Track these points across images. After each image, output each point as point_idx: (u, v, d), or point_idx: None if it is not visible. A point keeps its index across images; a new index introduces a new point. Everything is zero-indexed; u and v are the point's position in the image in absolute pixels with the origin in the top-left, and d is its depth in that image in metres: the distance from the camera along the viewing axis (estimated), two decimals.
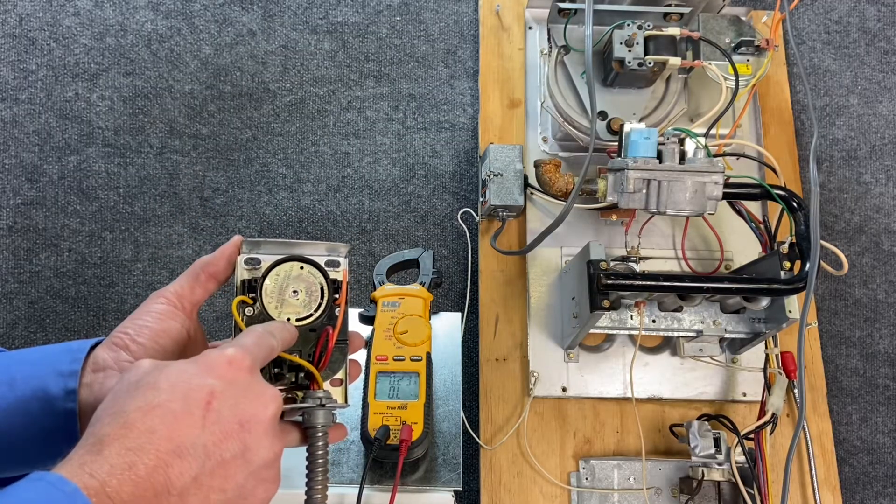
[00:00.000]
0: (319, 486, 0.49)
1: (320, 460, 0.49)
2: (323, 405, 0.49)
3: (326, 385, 0.52)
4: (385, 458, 0.73)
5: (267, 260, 0.52)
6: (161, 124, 1.06)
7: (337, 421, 0.52)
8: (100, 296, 0.99)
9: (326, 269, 0.52)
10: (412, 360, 0.75)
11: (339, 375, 0.53)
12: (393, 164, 1.06)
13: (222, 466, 0.38)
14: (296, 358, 0.50)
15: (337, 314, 0.52)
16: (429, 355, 0.76)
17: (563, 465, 0.87)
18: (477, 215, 0.98)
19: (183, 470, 0.37)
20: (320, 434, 0.49)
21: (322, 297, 0.52)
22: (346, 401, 0.52)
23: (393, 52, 1.12)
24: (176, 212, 1.03)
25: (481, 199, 0.96)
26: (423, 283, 0.81)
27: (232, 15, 1.12)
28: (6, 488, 0.34)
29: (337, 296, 0.52)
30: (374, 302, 0.79)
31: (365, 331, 0.79)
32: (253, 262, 0.52)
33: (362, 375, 0.74)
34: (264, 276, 0.51)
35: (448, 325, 0.87)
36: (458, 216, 1.02)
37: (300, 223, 1.03)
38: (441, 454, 0.78)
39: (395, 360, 0.75)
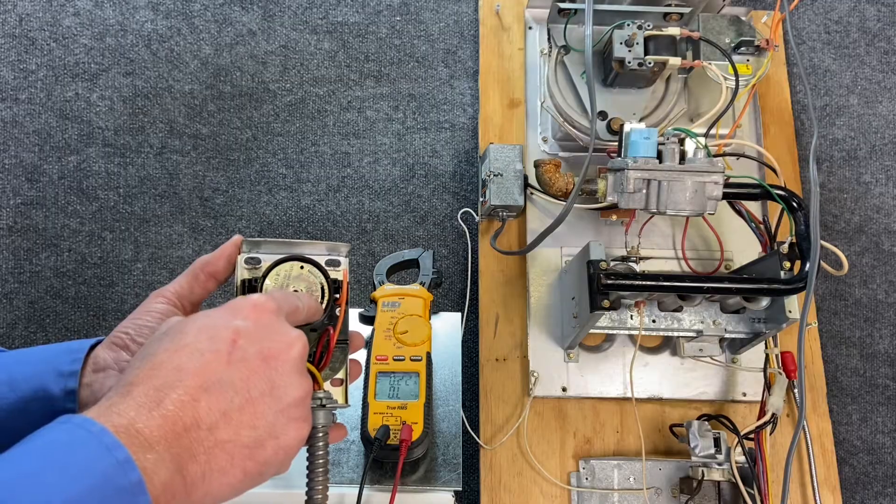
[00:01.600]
0: (320, 487, 0.49)
1: (321, 460, 0.49)
2: (323, 405, 0.49)
3: (327, 385, 0.52)
4: (385, 458, 0.73)
5: (267, 259, 0.52)
6: (161, 124, 1.06)
7: (337, 421, 0.52)
8: (100, 296, 0.99)
9: (327, 268, 0.52)
10: (412, 360, 0.75)
11: (340, 375, 0.53)
12: (393, 164, 1.06)
13: (251, 402, 0.39)
14: None
15: (337, 314, 0.52)
16: (429, 355, 0.76)
17: (563, 465, 0.87)
18: (477, 215, 0.98)
19: (211, 405, 0.37)
20: (321, 434, 0.49)
21: (323, 297, 0.51)
22: (346, 401, 0.52)
23: (393, 52, 1.12)
24: (176, 212, 1.03)
25: (481, 199, 0.96)
26: (423, 283, 0.81)
27: (232, 15, 1.12)
28: (34, 433, 0.34)
29: (337, 295, 0.52)
30: (374, 302, 0.79)
31: (365, 331, 0.79)
32: (253, 262, 0.52)
33: (362, 375, 0.74)
34: (265, 276, 0.51)
35: (448, 325, 0.87)
36: (458, 216, 1.02)
37: (300, 223, 1.03)
38: (441, 454, 0.78)
39: (395, 360, 0.75)
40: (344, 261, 0.53)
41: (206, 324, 0.40)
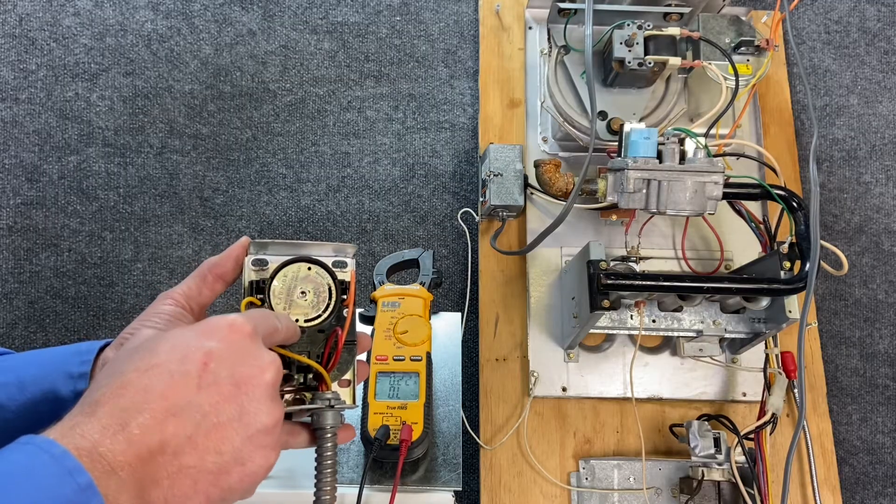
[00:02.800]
0: (328, 487, 0.49)
1: (329, 461, 0.49)
2: (332, 406, 0.49)
3: (335, 386, 0.52)
4: (385, 458, 0.73)
5: (274, 261, 0.52)
6: (161, 124, 1.06)
7: (345, 422, 0.52)
8: (100, 296, 0.99)
9: (334, 269, 0.52)
10: (412, 360, 0.75)
11: (348, 376, 0.53)
12: (393, 164, 1.06)
13: (218, 428, 0.38)
14: (304, 359, 0.50)
15: (345, 315, 0.52)
16: (429, 355, 0.75)
17: (563, 465, 0.87)
18: (477, 215, 0.98)
19: (178, 429, 0.36)
20: (329, 435, 0.49)
21: (330, 298, 0.51)
22: (354, 401, 0.52)
23: (393, 52, 1.12)
24: (176, 212, 1.03)
25: (481, 199, 0.96)
26: (423, 283, 0.81)
27: (232, 15, 1.12)
28: None
29: (345, 296, 0.52)
30: (374, 302, 0.79)
31: (365, 331, 0.79)
32: (260, 263, 0.52)
33: None
34: (272, 278, 0.51)
35: (448, 325, 0.87)
36: (458, 216, 1.02)
37: (300, 223, 1.03)
38: (441, 454, 0.77)
39: (395, 360, 0.75)
40: (350, 262, 0.53)
41: (178, 343, 0.39)
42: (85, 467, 0.33)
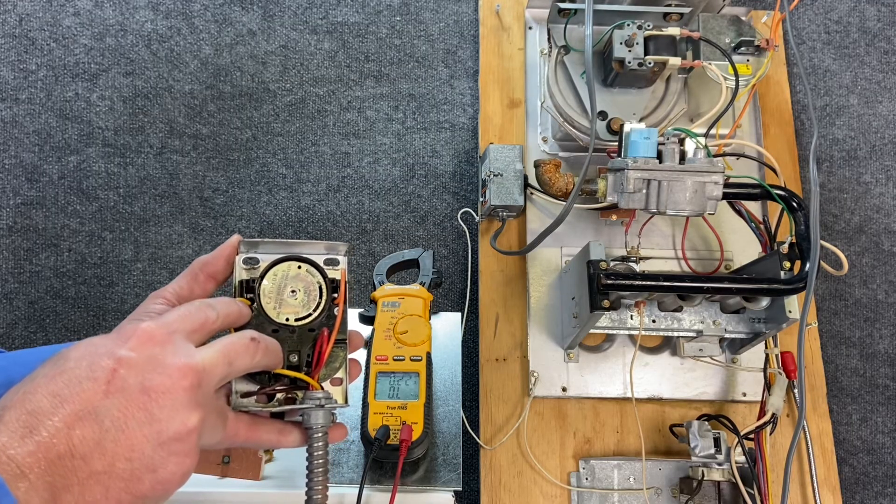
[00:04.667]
0: (320, 487, 0.49)
1: (320, 461, 0.49)
2: (322, 406, 0.49)
3: (326, 385, 0.52)
4: (385, 458, 0.73)
5: (265, 259, 0.51)
6: (161, 124, 1.06)
7: (337, 421, 0.51)
8: (100, 296, 0.99)
9: (325, 268, 0.52)
10: (412, 360, 0.75)
11: (339, 375, 0.53)
12: (393, 164, 1.06)
13: (126, 434, 0.37)
14: (287, 371, 0.49)
15: (336, 314, 0.52)
16: (429, 355, 0.75)
17: (563, 465, 0.87)
18: (477, 215, 0.98)
19: (85, 434, 0.36)
20: (320, 434, 0.49)
21: (321, 297, 0.51)
22: (345, 401, 0.52)
23: (393, 52, 1.12)
24: (176, 212, 1.03)
25: (481, 199, 0.96)
26: (423, 283, 0.81)
27: (232, 15, 1.12)
28: None
29: (336, 295, 0.52)
30: (374, 302, 0.79)
31: (365, 331, 0.79)
32: (251, 262, 0.51)
33: (362, 375, 0.74)
34: (262, 276, 0.50)
35: (448, 325, 0.87)
36: (458, 216, 1.02)
37: (300, 223, 1.03)
38: (441, 454, 0.77)
39: (395, 360, 0.75)
40: (342, 260, 0.53)
41: (88, 351, 0.39)
42: None
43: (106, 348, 0.39)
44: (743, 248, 0.93)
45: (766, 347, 0.86)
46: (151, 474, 0.38)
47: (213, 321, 0.45)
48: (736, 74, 0.85)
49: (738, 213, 0.86)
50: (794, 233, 0.75)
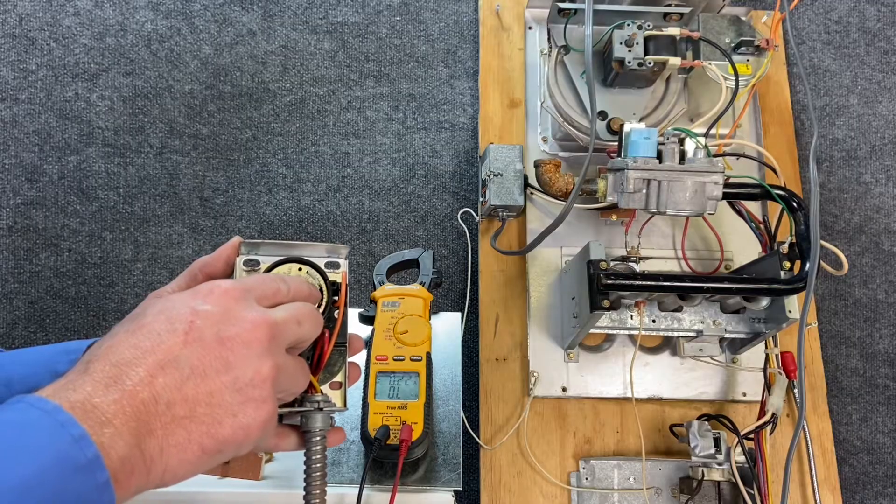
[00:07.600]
0: (317, 490, 0.49)
1: (318, 464, 0.49)
2: (321, 409, 0.49)
3: (325, 388, 0.52)
4: (385, 458, 0.73)
5: (266, 261, 0.51)
6: (161, 124, 1.06)
7: (336, 424, 0.51)
8: (100, 296, 0.99)
9: (326, 270, 0.52)
10: (412, 360, 0.75)
11: (339, 378, 0.52)
12: (393, 164, 1.06)
13: (206, 381, 0.39)
14: None
15: (336, 316, 0.51)
16: (429, 355, 0.75)
17: (563, 465, 0.87)
18: (477, 215, 0.98)
19: (168, 382, 0.38)
20: (318, 438, 0.49)
21: (321, 300, 0.51)
22: (344, 404, 0.52)
23: (393, 52, 1.12)
24: (176, 212, 1.03)
25: (481, 199, 0.96)
26: (423, 283, 0.81)
27: (232, 15, 1.12)
28: None
29: (336, 298, 0.52)
30: (374, 302, 0.79)
31: (365, 331, 0.79)
32: (252, 264, 0.51)
33: (362, 376, 0.74)
34: None
35: (448, 325, 0.87)
36: (458, 216, 1.02)
37: (300, 223, 1.03)
38: (441, 454, 0.77)
39: (395, 360, 0.75)
40: (343, 263, 0.53)
41: (166, 306, 0.41)
42: (78, 419, 0.34)
43: (183, 303, 0.41)
44: (743, 248, 0.93)
45: (766, 347, 0.86)
46: (231, 418, 0.40)
47: (284, 293, 0.46)
48: (736, 74, 0.85)
49: (738, 213, 0.86)
50: (794, 233, 0.75)
